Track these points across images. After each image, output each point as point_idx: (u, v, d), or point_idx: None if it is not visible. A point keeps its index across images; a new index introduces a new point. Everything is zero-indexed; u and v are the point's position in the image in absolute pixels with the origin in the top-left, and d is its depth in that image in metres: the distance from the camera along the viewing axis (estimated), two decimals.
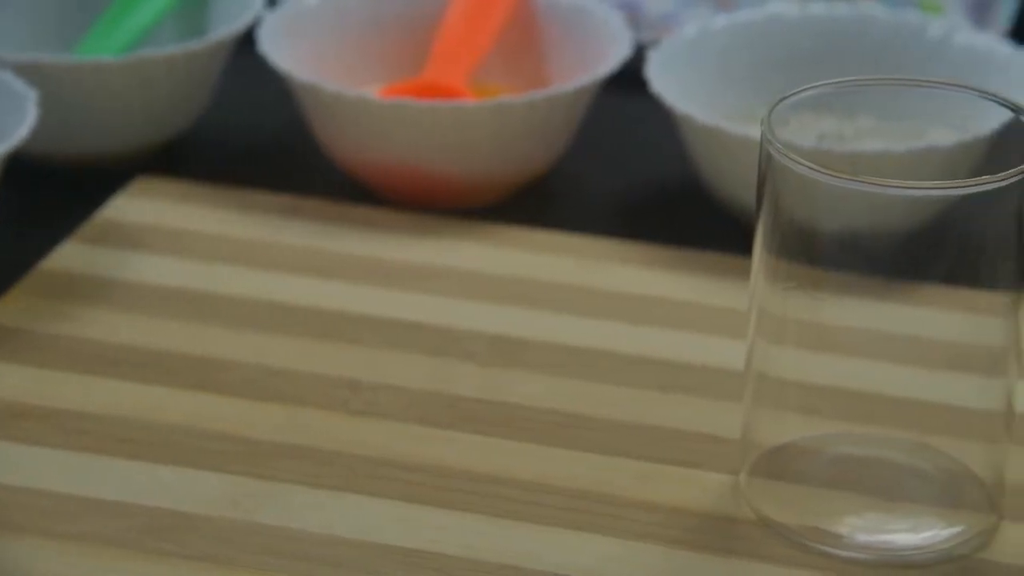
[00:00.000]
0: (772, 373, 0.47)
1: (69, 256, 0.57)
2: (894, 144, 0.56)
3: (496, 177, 0.60)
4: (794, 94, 0.46)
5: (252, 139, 0.65)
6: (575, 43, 0.63)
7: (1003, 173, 0.43)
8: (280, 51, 0.61)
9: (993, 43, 0.61)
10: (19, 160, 0.59)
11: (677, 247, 0.58)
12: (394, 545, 0.46)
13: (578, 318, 0.54)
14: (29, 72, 0.59)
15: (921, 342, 0.45)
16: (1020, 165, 0.43)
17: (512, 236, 0.58)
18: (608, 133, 0.64)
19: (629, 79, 0.61)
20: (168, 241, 0.58)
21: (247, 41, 0.62)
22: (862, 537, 0.46)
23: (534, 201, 0.61)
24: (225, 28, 0.63)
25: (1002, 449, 0.46)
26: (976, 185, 0.44)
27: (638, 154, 0.64)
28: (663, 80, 0.59)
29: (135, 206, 0.60)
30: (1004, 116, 0.45)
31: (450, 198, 0.60)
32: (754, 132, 0.45)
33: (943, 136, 0.51)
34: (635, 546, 0.46)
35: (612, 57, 0.60)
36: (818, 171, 0.43)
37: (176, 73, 0.61)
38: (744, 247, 0.46)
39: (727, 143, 0.57)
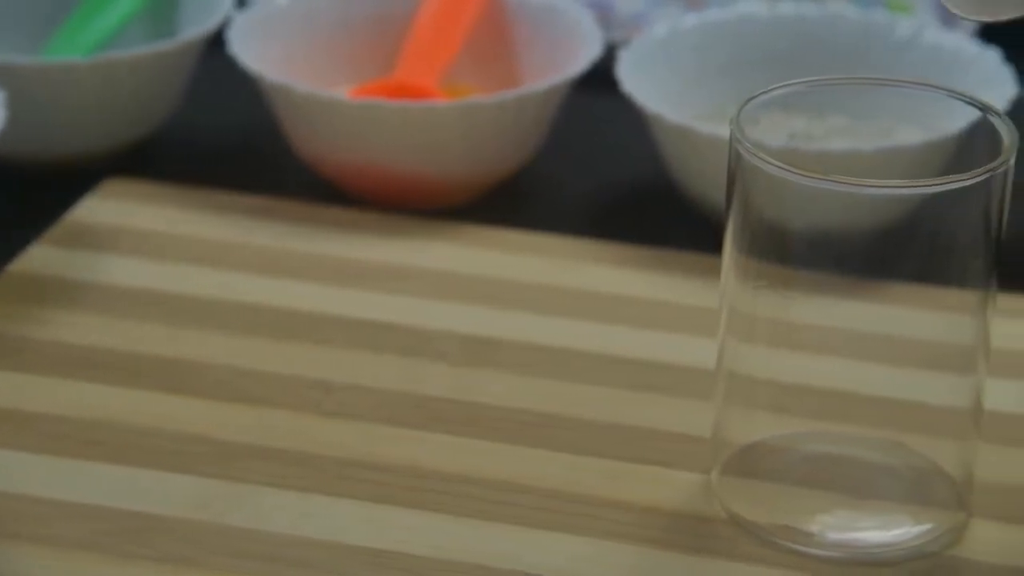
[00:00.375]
0: (743, 372, 0.47)
1: (38, 259, 0.57)
2: (863, 143, 0.57)
3: (467, 177, 0.60)
4: (763, 93, 0.46)
5: (222, 140, 0.65)
6: (546, 43, 0.63)
7: (971, 172, 0.43)
8: (250, 52, 0.60)
9: (961, 42, 0.61)
10: None
11: (648, 246, 0.58)
12: (364, 546, 0.46)
13: (549, 318, 0.54)
14: None
15: (891, 340, 0.45)
16: (988, 164, 0.44)
17: (483, 236, 0.58)
18: (579, 133, 0.64)
19: (600, 79, 0.61)
20: (138, 242, 0.58)
21: (217, 42, 0.62)
22: (833, 535, 0.46)
23: (505, 201, 0.61)
24: (194, 29, 0.62)
25: (971, 447, 0.47)
26: (944, 184, 0.44)
27: (609, 154, 0.64)
28: (634, 80, 0.59)
29: (105, 208, 0.60)
30: (972, 115, 0.45)
31: (421, 198, 0.60)
32: (724, 131, 0.45)
33: (912, 135, 0.51)
34: (607, 545, 0.46)
35: (583, 57, 0.60)
36: (787, 170, 0.43)
37: (145, 74, 0.61)
38: (715, 246, 0.46)
39: (697, 142, 0.57)
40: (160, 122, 0.63)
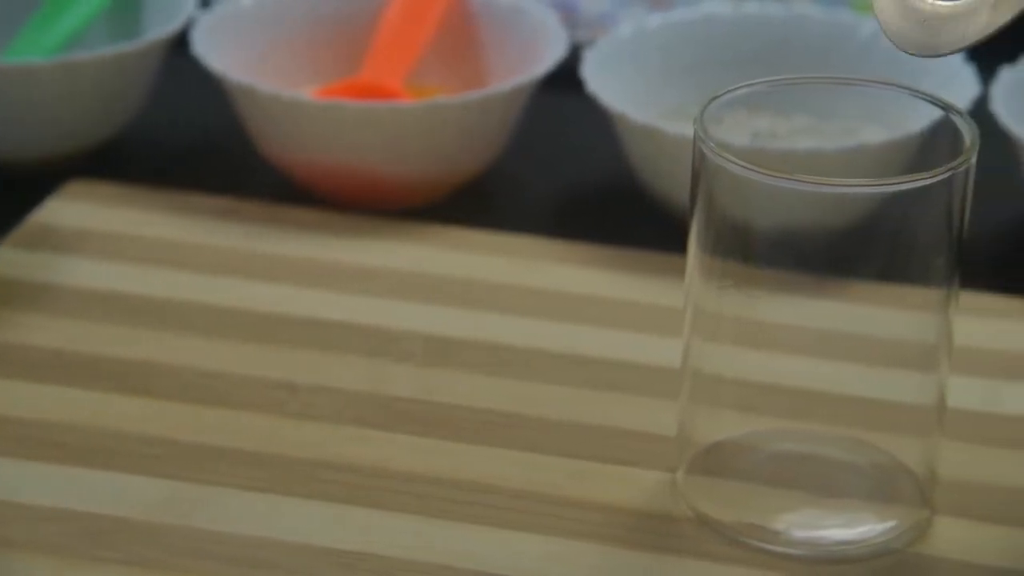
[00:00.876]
0: (708, 371, 0.47)
1: (1, 261, 0.57)
2: (827, 142, 0.57)
3: (432, 177, 0.60)
4: (726, 93, 0.46)
5: (187, 141, 0.65)
6: (511, 43, 0.63)
7: (933, 170, 0.44)
8: (214, 52, 0.60)
9: None
10: None
11: (613, 246, 0.58)
12: (330, 547, 0.46)
13: (514, 318, 0.54)
14: None
15: (854, 339, 0.45)
16: (950, 162, 0.44)
17: (449, 236, 0.58)
18: (544, 133, 0.64)
19: (565, 79, 0.61)
20: (103, 244, 0.58)
21: (181, 42, 0.62)
22: (798, 533, 0.46)
23: (471, 201, 0.61)
24: (158, 29, 0.62)
25: (934, 444, 0.47)
26: (907, 182, 0.44)
27: (574, 154, 0.64)
28: (599, 80, 0.59)
29: (69, 209, 0.59)
30: (934, 114, 0.46)
31: (386, 198, 0.60)
32: (689, 131, 0.45)
33: (875, 134, 0.51)
34: (572, 545, 0.46)
35: (548, 57, 0.60)
36: (751, 169, 0.44)
37: (109, 75, 0.61)
38: (680, 246, 0.47)
39: (662, 142, 0.57)
40: (124, 123, 0.63)
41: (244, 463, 0.48)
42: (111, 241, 0.58)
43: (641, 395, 0.51)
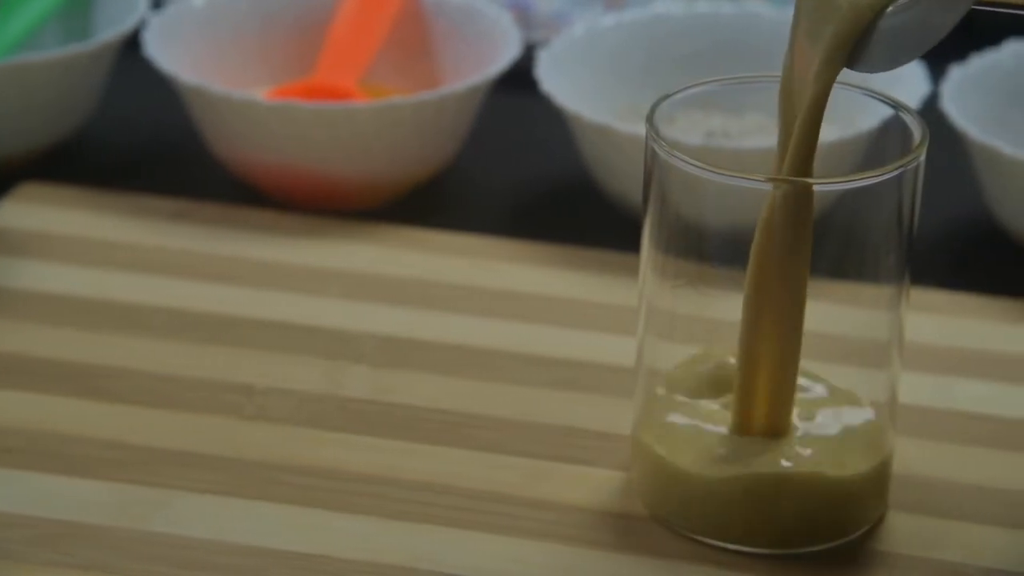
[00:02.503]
0: (662, 369, 0.47)
1: None
2: None
3: (387, 178, 0.60)
4: (678, 92, 0.46)
5: (140, 143, 0.64)
6: (465, 43, 0.63)
7: (884, 168, 0.44)
8: (166, 53, 0.60)
9: None
10: None
11: (568, 245, 0.58)
12: (287, 550, 0.46)
13: (470, 317, 0.54)
14: None
15: (807, 336, 0.46)
16: (900, 160, 0.44)
17: (404, 236, 0.58)
18: (499, 133, 0.64)
19: (519, 78, 0.62)
20: (55, 247, 0.57)
21: (133, 44, 0.62)
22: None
23: (426, 202, 0.61)
24: (109, 31, 0.62)
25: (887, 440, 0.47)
26: (858, 180, 0.44)
27: (530, 153, 0.64)
28: (553, 79, 0.59)
29: (20, 212, 0.59)
30: (885, 113, 0.46)
31: (341, 199, 0.60)
32: (643, 130, 0.45)
33: (826, 132, 0.52)
34: (529, 545, 0.46)
35: (502, 57, 0.60)
36: (702, 168, 0.44)
37: (60, 77, 0.60)
38: (635, 244, 0.47)
39: (616, 141, 0.57)
40: (76, 125, 0.63)
41: (199, 466, 0.48)
42: (64, 244, 0.57)
43: (597, 394, 0.51)
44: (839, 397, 0.46)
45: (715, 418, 0.46)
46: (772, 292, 0.44)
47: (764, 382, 0.44)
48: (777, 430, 0.45)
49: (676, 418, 0.46)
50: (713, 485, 0.45)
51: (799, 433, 0.45)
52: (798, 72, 0.43)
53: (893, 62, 0.42)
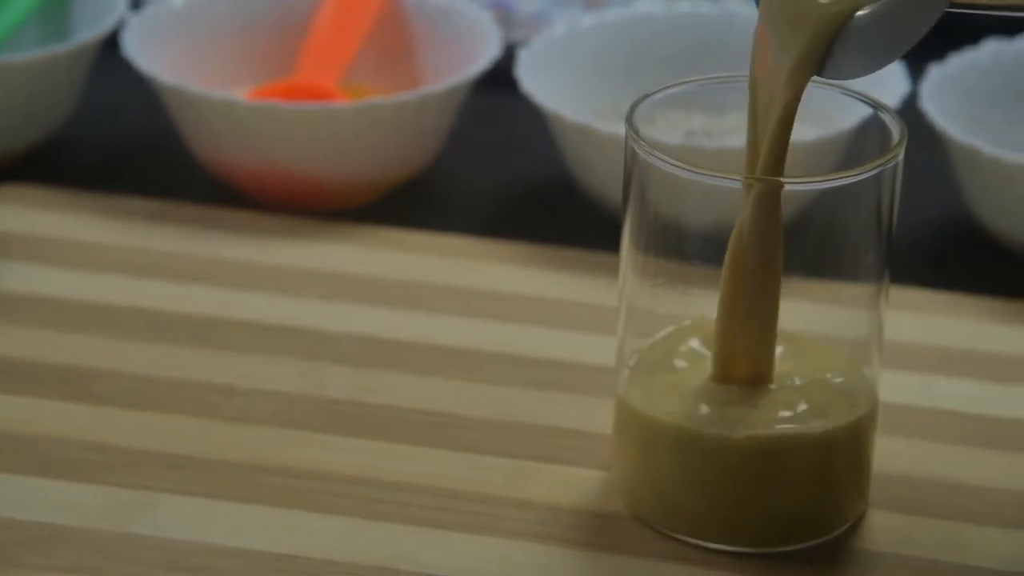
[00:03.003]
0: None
1: None
2: None
3: (368, 178, 0.60)
4: (658, 91, 0.46)
5: (119, 144, 0.64)
6: (446, 43, 0.63)
7: (863, 167, 0.44)
8: (145, 54, 0.60)
9: None
10: None
11: (549, 245, 0.58)
12: (268, 551, 0.46)
13: (451, 318, 0.54)
14: None
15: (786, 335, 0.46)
16: (879, 159, 0.44)
17: (385, 237, 0.58)
18: (480, 133, 0.64)
19: (500, 78, 0.62)
20: (35, 249, 0.57)
21: (112, 44, 0.62)
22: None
23: (407, 202, 0.61)
24: (88, 31, 0.62)
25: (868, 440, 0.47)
26: (837, 179, 0.44)
27: (510, 153, 0.64)
28: (533, 79, 0.59)
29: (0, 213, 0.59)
30: (864, 112, 0.46)
31: (322, 200, 0.60)
32: (623, 130, 0.45)
33: (806, 131, 0.52)
34: (510, 545, 0.46)
35: (482, 57, 0.60)
36: (681, 167, 0.44)
37: (39, 77, 0.60)
38: (616, 244, 0.47)
39: (596, 141, 0.57)
40: (55, 126, 0.62)
41: (180, 467, 0.48)
42: (43, 245, 0.57)
43: (578, 394, 0.51)
44: (821, 352, 0.46)
45: (697, 370, 0.45)
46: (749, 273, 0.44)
47: (743, 336, 0.44)
48: (757, 379, 0.45)
49: (657, 376, 0.45)
50: (697, 442, 0.44)
51: (780, 383, 0.45)
52: (761, 75, 0.43)
53: (863, 68, 0.42)
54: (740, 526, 0.46)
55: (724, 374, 0.45)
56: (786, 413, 0.45)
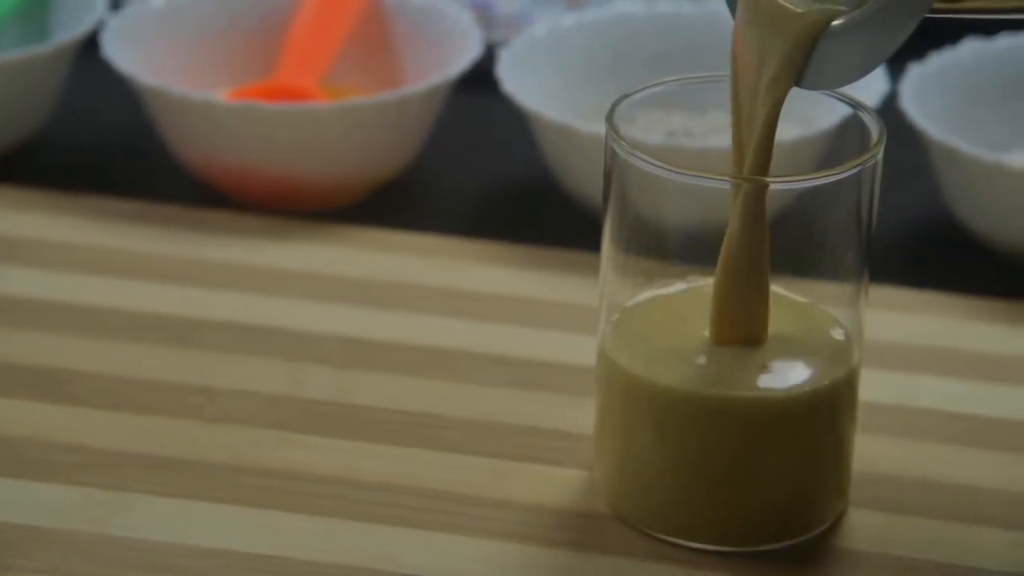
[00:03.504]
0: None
1: None
2: None
3: (349, 178, 0.60)
4: (638, 91, 0.46)
5: (99, 144, 0.64)
6: (427, 43, 0.63)
7: (842, 166, 0.44)
8: (125, 54, 0.60)
9: None
10: None
11: (531, 245, 0.58)
12: (249, 552, 0.45)
13: (433, 318, 0.54)
14: None
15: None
16: (858, 158, 0.44)
17: (367, 237, 0.58)
18: (462, 132, 0.64)
19: (481, 78, 0.62)
20: (13, 249, 0.57)
21: (91, 45, 0.61)
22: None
23: (389, 202, 0.61)
24: (67, 32, 0.62)
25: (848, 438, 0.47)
26: (816, 178, 0.44)
27: (492, 153, 0.64)
28: (514, 79, 0.59)
29: None
30: (844, 111, 0.46)
31: (303, 200, 0.60)
32: (603, 130, 0.45)
33: (786, 131, 0.52)
34: (492, 545, 0.46)
35: (463, 57, 0.60)
36: (660, 167, 0.44)
37: (18, 78, 0.60)
38: (597, 243, 0.47)
39: (577, 141, 0.57)
40: (34, 127, 0.62)
41: (160, 468, 0.48)
42: (22, 246, 0.57)
43: (559, 394, 0.51)
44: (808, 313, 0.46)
45: (686, 332, 0.45)
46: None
47: (737, 295, 0.44)
48: (751, 341, 0.44)
49: (648, 339, 0.45)
50: (689, 402, 0.44)
51: (771, 345, 0.45)
52: (741, 79, 0.43)
53: (842, 79, 0.42)
54: (722, 524, 0.46)
55: (719, 336, 0.44)
56: (774, 374, 0.44)
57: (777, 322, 0.45)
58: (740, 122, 0.44)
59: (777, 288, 0.45)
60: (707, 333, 0.45)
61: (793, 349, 0.45)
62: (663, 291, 0.46)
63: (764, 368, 0.45)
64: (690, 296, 0.46)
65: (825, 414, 0.45)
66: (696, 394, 0.44)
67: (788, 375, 0.45)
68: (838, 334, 0.46)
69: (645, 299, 0.46)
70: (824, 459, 0.46)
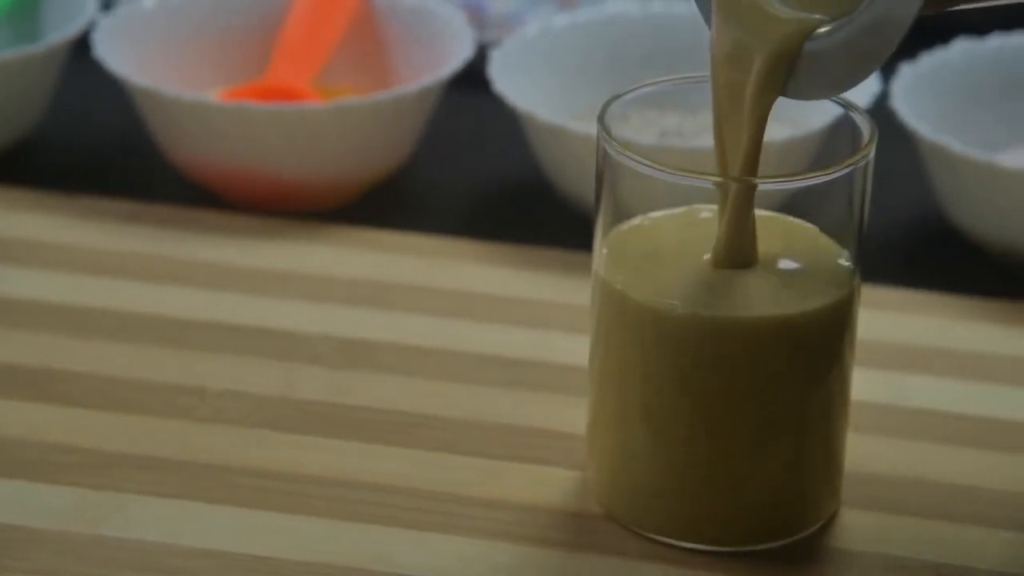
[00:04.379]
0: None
1: None
2: None
3: (342, 179, 0.60)
4: (630, 91, 0.46)
5: (91, 145, 0.64)
6: (419, 43, 0.63)
7: (834, 167, 0.44)
8: (116, 55, 0.60)
9: None
10: None
11: (523, 245, 0.58)
12: (242, 553, 0.45)
13: (426, 318, 0.54)
14: None
15: None
16: (850, 158, 0.45)
17: (360, 237, 0.58)
18: (453, 133, 0.64)
19: (473, 79, 0.62)
20: (7, 250, 0.57)
21: (82, 45, 0.61)
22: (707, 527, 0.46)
23: (381, 202, 0.61)
24: (59, 32, 0.62)
25: (840, 437, 0.47)
26: (808, 178, 0.44)
27: (484, 153, 0.64)
28: (506, 79, 0.59)
29: None
30: (835, 112, 0.46)
31: (296, 201, 0.60)
32: (595, 130, 0.46)
33: (778, 131, 0.52)
34: (485, 545, 0.46)
35: (455, 57, 0.60)
36: (652, 167, 0.44)
37: (9, 79, 0.60)
38: (589, 243, 0.47)
39: (569, 141, 0.57)
40: (26, 127, 0.62)
41: (153, 469, 0.48)
42: (15, 246, 0.57)
43: (552, 393, 0.51)
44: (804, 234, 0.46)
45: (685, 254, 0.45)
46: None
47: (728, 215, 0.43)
48: (744, 262, 0.44)
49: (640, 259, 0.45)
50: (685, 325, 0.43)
51: (764, 266, 0.44)
52: (720, 79, 0.43)
53: (828, 90, 0.42)
54: (715, 524, 0.46)
55: (714, 258, 0.44)
56: (768, 295, 0.44)
57: (772, 245, 0.44)
58: (720, 122, 0.44)
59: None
60: (706, 256, 0.44)
61: (789, 272, 0.44)
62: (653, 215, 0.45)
63: (759, 290, 0.44)
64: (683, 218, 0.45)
65: (821, 336, 0.44)
66: (693, 314, 0.43)
67: (787, 298, 0.44)
68: (841, 259, 0.45)
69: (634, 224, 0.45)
70: (816, 452, 0.46)
